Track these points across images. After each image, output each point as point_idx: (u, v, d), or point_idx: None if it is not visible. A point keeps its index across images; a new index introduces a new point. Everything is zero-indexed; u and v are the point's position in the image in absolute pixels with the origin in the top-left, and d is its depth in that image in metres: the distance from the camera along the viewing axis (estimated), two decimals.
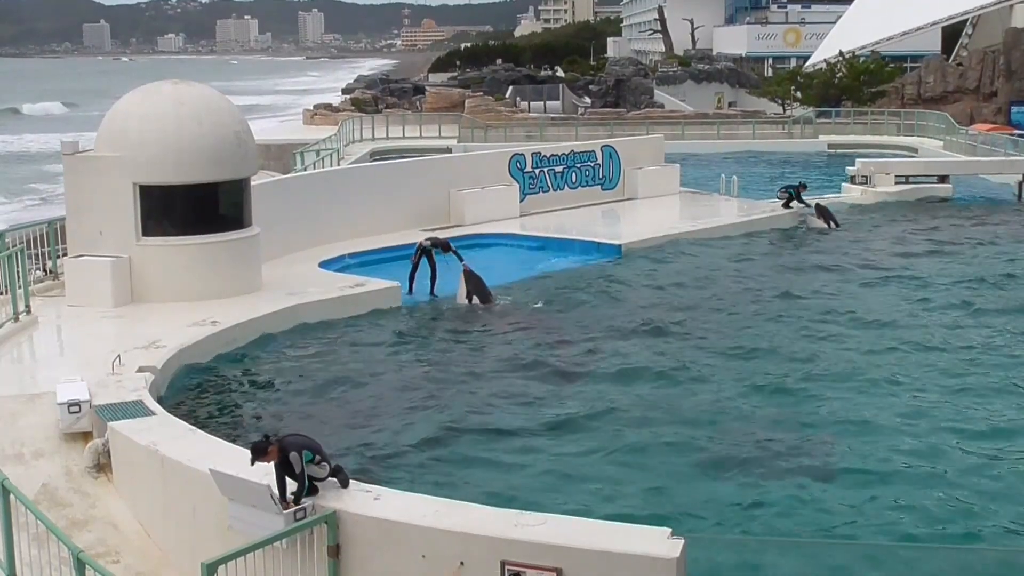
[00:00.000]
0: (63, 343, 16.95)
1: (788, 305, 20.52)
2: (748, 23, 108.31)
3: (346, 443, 13.13)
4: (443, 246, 21.37)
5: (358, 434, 13.76)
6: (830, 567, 10.28)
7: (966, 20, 72.19)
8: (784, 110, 68.08)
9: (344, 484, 9.39)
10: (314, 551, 9.02)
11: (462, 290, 20.45)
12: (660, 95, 72.84)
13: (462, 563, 8.49)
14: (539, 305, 20.55)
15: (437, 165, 29.23)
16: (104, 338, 16.19)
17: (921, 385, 15.83)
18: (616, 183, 31.83)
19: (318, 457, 9.28)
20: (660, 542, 8.24)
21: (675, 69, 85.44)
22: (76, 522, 11.02)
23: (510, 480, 12.45)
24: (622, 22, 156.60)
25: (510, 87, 70.40)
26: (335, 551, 9.01)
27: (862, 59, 67.22)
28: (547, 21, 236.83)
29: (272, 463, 9.21)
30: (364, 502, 9.19)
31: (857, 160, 35.60)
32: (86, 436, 12.48)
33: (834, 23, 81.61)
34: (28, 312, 17.08)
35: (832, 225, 28.63)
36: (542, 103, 66.66)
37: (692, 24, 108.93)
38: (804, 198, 29.22)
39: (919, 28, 70.31)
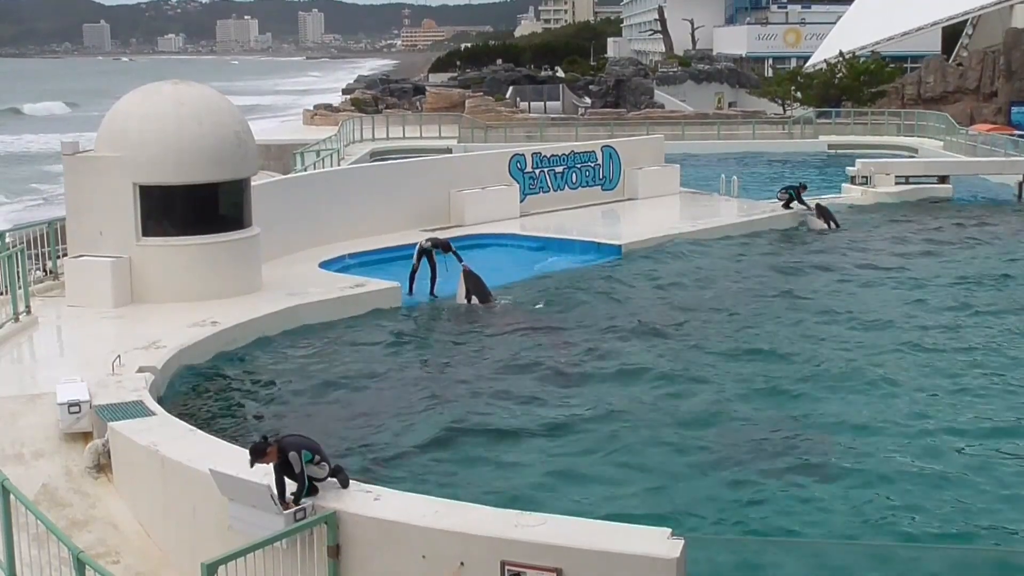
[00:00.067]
0: (63, 343, 16.95)
1: (788, 305, 20.53)
2: (748, 23, 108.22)
3: (346, 443, 13.15)
4: (443, 246, 21.37)
5: (358, 434, 13.76)
6: (830, 567, 10.28)
7: (966, 20, 72.16)
8: (784, 110, 68.00)
9: (344, 484, 9.39)
10: (314, 551, 9.02)
11: (462, 290, 20.46)
12: (660, 95, 72.80)
13: (462, 563, 8.49)
14: (539, 305, 20.54)
15: (437, 165, 29.23)
16: (104, 338, 16.19)
17: (921, 385, 15.84)
18: (616, 183, 31.83)
19: (317, 457, 9.28)
20: (660, 542, 8.24)
21: (675, 69, 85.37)
22: (76, 522, 11.02)
23: (510, 480, 12.45)
24: (622, 22, 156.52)
25: (510, 87, 70.29)
26: (335, 551, 9.01)
27: (862, 59, 67.15)
28: (547, 21, 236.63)
29: (271, 464, 9.22)
30: (364, 502, 9.19)
31: (857, 160, 35.56)
32: (86, 436, 12.50)
33: (834, 23, 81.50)
34: (28, 312, 17.09)
35: (832, 225, 28.61)
36: (542, 103, 66.58)
37: (692, 24, 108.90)
38: (804, 198, 29.21)
39: (919, 28, 70.28)
